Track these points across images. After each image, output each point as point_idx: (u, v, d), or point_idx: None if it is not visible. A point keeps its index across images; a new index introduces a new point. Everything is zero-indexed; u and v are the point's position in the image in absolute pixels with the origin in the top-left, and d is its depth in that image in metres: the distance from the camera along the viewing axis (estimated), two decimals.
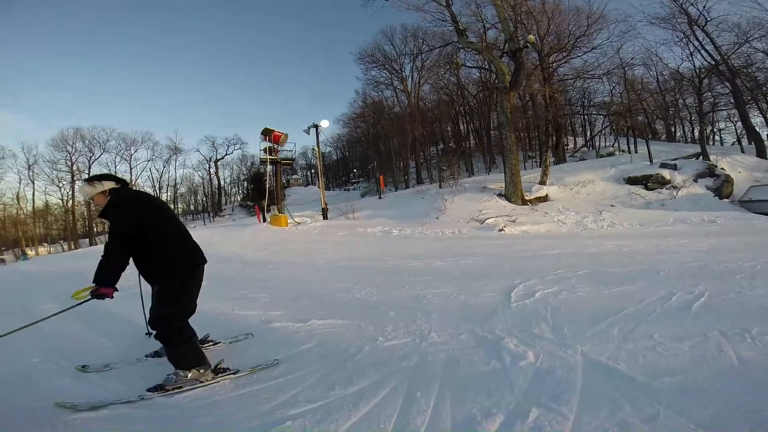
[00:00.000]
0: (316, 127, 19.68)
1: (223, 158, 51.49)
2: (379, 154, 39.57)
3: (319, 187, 25.12)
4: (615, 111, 22.70)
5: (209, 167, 50.91)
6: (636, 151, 23.70)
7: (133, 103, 70.05)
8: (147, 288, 2.70)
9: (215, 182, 50.65)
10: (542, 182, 15.42)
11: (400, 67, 35.99)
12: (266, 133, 18.94)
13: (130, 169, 46.37)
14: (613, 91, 26.30)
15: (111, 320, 3.90)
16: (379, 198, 21.87)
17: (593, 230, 10.13)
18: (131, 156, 46.63)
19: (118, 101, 68.60)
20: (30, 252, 36.10)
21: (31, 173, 41.52)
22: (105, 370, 2.88)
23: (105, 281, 2.38)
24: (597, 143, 33.15)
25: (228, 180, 53.39)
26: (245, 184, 49.37)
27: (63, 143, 42.70)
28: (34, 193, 42.03)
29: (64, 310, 2.62)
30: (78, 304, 2.52)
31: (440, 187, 17.31)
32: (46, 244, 40.66)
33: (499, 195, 14.54)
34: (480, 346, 2.84)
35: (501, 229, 10.86)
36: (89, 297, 2.39)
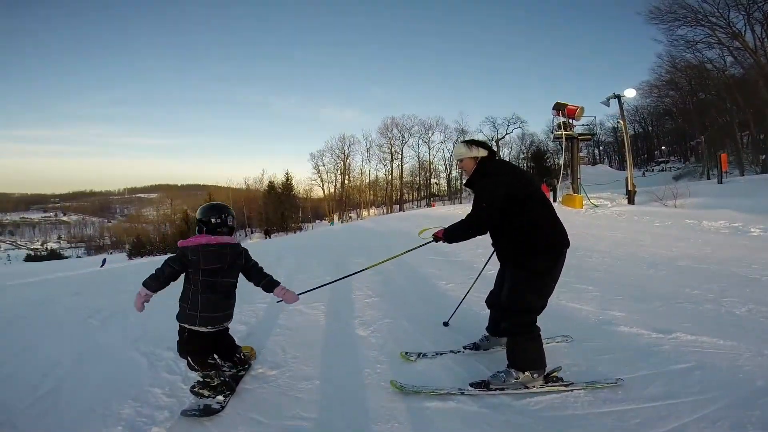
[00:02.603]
0: (618, 97, 16.57)
1: (503, 138, 52.97)
2: (705, 128, 30.96)
3: (623, 166, 21.32)
4: None
5: (492, 146, 53.94)
6: None
7: (427, 91, 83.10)
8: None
9: None
10: None
11: (727, 22, 26.76)
12: (559, 107, 17.59)
13: (429, 150, 55.90)
14: None
15: (426, 307, 3.88)
16: (719, 183, 16.15)
17: None
18: (429, 138, 55.92)
19: (419, 89, 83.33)
20: (365, 213, 51.30)
21: (368, 154, 57.58)
22: (426, 357, 2.76)
23: (451, 238, 2.52)
24: None
25: (508, 158, 55.05)
26: (525, 163, 48.96)
27: (385, 130, 56.64)
28: (370, 170, 58.18)
29: (412, 249, 3.03)
30: (421, 245, 2.88)
31: None
32: (374, 208, 56.16)
33: None
34: None
35: None
36: (431, 239, 2.68)
